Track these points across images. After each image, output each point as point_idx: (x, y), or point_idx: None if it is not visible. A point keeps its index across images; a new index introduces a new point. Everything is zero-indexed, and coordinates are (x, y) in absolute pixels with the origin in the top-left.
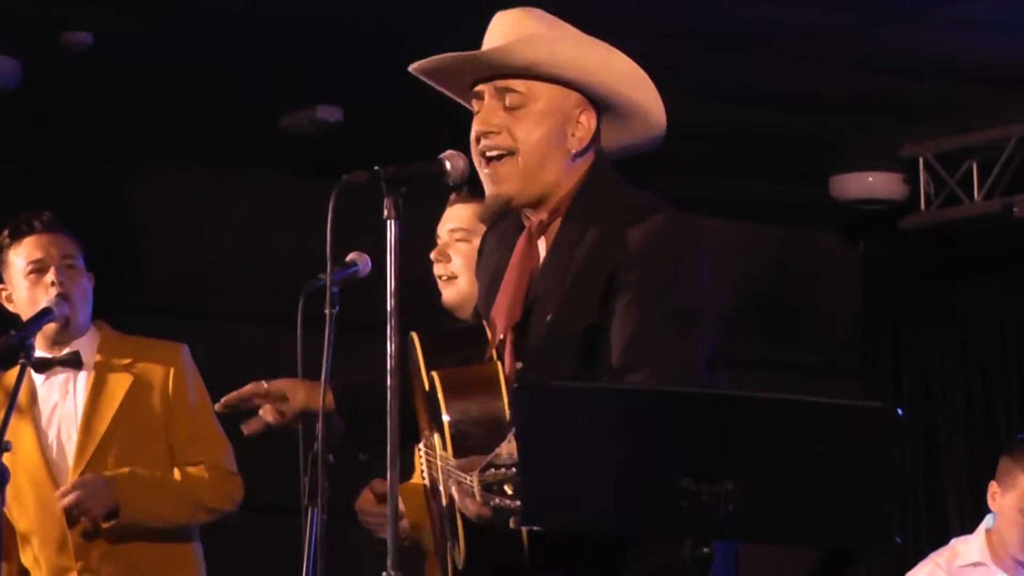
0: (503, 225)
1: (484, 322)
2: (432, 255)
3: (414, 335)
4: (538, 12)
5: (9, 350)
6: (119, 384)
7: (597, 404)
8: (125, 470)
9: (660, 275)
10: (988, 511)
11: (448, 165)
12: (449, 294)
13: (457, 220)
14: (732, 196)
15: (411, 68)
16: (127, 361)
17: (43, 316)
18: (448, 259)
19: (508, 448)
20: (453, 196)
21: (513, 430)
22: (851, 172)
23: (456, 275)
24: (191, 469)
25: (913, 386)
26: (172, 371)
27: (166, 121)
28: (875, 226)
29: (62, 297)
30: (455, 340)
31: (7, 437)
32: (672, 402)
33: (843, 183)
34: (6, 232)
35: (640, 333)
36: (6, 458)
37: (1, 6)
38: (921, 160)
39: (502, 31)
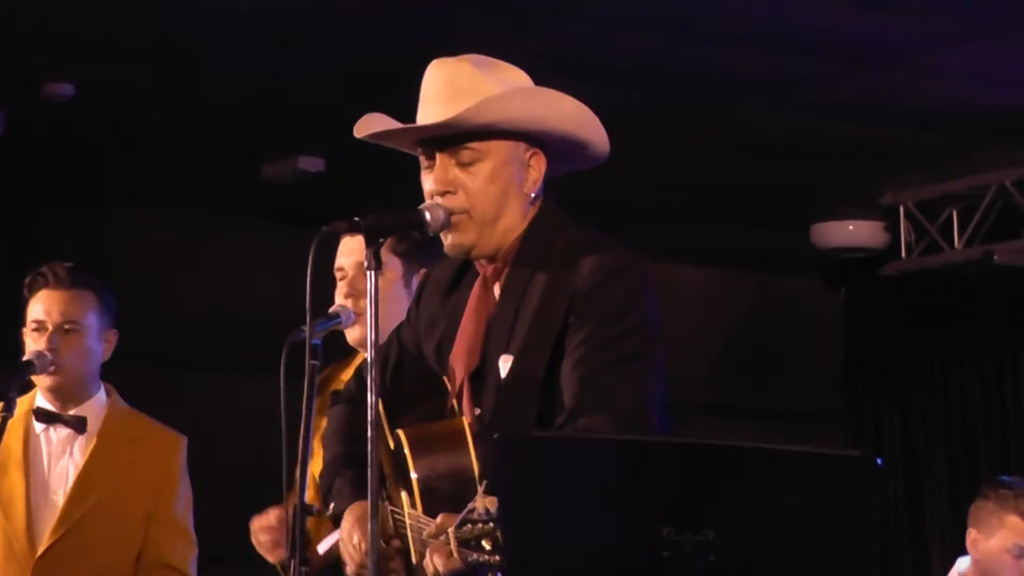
0: (448, 267)
1: (444, 376)
2: (343, 292)
3: None
4: (476, 60)
5: None
6: (116, 462)
7: (577, 453)
8: None
9: (610, 316)
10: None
11: (428, 216)
12: (360, 332)
13: (360, 252)
14: (713, 243)
15: (363, 135)
16: (129, 441)
17: (23, 370)
18: (362, 295)
19: (482, 502)
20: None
21: (484, 483)
22: (832, 220)
23: (364, 312)
24: None
25: (895, 431)
26: (170, 466)
27: (147, 170)
28: (856, 273)
29: (51, 361)
30: (415, 394)
31: None
32: (652, 450)
33: (824, 231)
34: (27, 280)
35: (593, 376)
36: None
37: None
38: (902, 208)
39: (442, 87)
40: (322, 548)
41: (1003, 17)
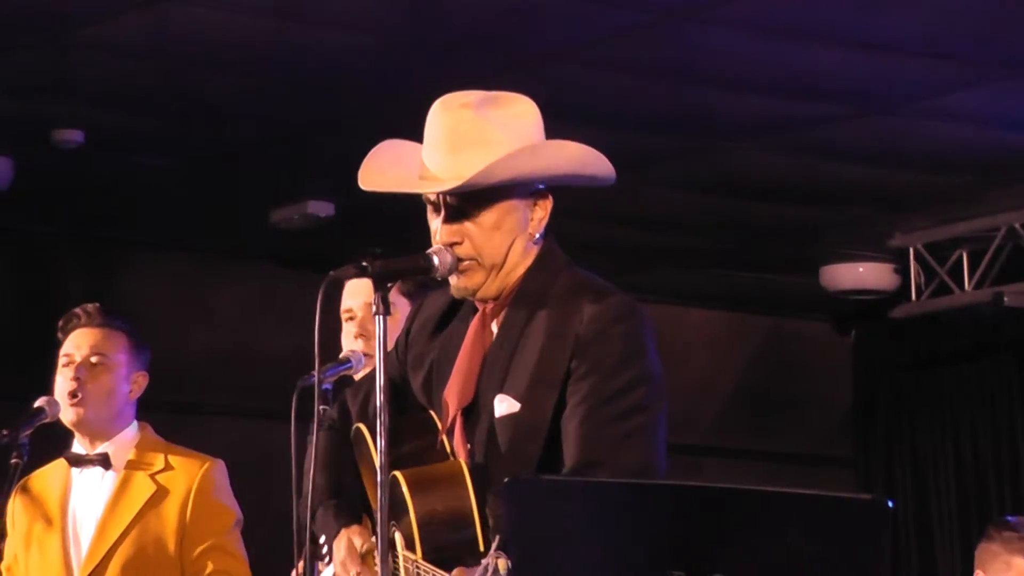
0: (439, 300)
1: (431, 409)
2: (354, 332)
3: (362, 427)
4: (480, 101)
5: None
6: (140, 493)
7: (587, 497)
8: None
9: (613, 367)
10: None
11: (436, 260)
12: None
13: (368, 293)
14: (723, 286)
15: (368, 188)
16: (156, 470)
17: (34, 416)
18: (373, 335)
19: (500, 563)
20: None
21: (497, 539)
22: (842, 262)
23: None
24: None
25: (906, 474)
26: (196, 488)
27: (157, 216)
28: (866, 316)
29: (72, 395)
30: (404, 429)
31: (40, 534)
32: (662, 494)
33: (834, 273)
34: (61, 321)
35: (598, 433)
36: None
37: None
38: (911, 250)
39: (446, 137)
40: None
41: (1011, 60)
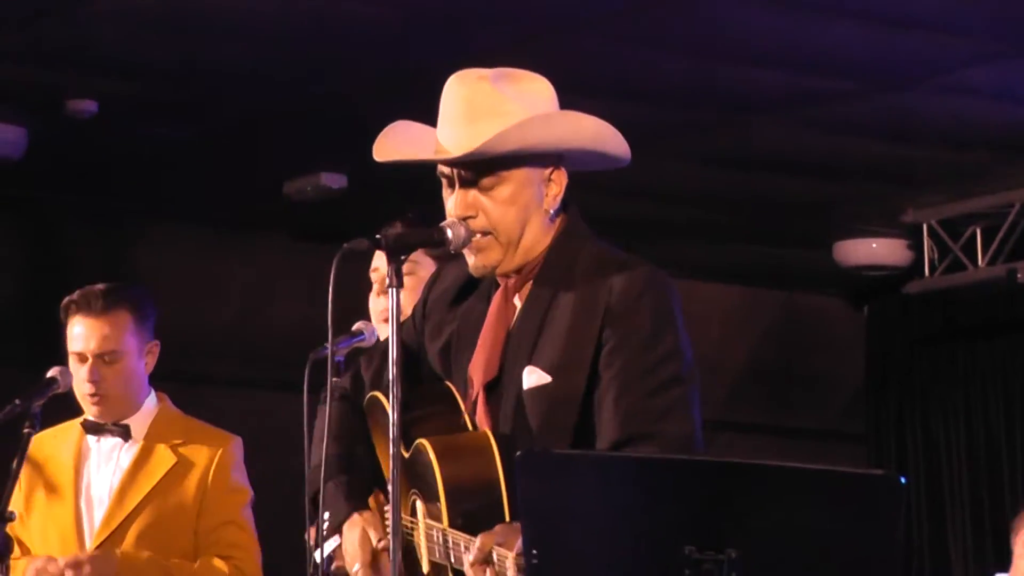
0: (459, 270)
1: (447, 380)
2: (376, 291)
3: (378, 394)
4: (496, 75)
5: (11, 420)
6: (161, 463)
7: (600, 471)
8: (144, 554)
9: (647, 339)
10: (992, 573)
11: (449, 233)
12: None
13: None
14: (736, 261)
15: (381, 159)
16: (176, 442)
17: (46, 386)
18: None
19: None
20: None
21: None
22: (855, 238)
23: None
24: (217, 562)
25: (917, 450)
26: (216, 463)
27: (170, 187)
28: (879, 291)
29: (93, 395)
30: (421, 398)
31: (46, 497)
32: (675, 469)
33: (847, 249)
34: (66, 301)
35: (639, 406)
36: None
37: (6, 75)
38: (925, 226)
39: (462, 108)
40: (319, 555)
41: None
